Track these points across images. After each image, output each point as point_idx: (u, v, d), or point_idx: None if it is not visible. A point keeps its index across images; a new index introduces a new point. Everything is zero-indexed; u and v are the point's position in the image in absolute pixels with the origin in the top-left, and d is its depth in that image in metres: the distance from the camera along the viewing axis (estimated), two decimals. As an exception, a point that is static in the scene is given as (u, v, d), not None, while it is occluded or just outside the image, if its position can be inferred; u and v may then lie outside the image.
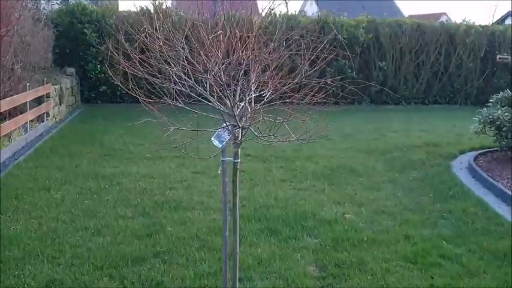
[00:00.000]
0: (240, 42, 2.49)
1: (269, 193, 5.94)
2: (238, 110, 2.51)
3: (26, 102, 8.87)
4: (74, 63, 13.42)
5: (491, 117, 7.31)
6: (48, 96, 10.54)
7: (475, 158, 7.59)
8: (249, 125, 2.54)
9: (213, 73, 2.45)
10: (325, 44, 2.88)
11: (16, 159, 7.42)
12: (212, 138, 2.60)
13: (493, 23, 17.59)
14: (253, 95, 2.57)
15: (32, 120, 9.50)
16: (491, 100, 7.95)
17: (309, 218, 5.12)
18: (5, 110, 7.98)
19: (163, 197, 5.67)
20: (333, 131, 9.41)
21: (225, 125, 2.53)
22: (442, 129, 10.75)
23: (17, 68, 8.48)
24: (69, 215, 5.06)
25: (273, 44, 2.75)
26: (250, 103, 2.56)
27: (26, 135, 8.70)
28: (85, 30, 13.30)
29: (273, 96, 2.66)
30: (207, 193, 5.84)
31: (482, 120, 7.41)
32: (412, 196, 6.06)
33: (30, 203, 5.36)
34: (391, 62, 15.45)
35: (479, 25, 16.34)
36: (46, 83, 10.24)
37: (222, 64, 2.48)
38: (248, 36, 2.62)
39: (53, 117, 10.84)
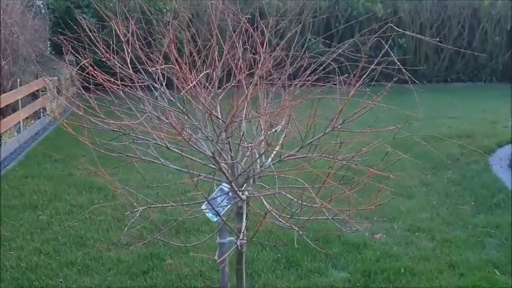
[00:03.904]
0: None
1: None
2: (239, 168, 1.74)
3: (18, 100, 8.16)
4: (73, 51, 12.64)
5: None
6: (44, 89, 9.82)
7: (517, 153, 6.72)
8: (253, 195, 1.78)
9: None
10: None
11: (5, 166, 6.75)
12: (203, 206, 1.86)
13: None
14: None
15: (27, 118, 8.82)
16: None
17: (333, 242, 4.37)
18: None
19: (163, 215, 4.95)
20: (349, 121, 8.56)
21: (223, 188, 1.78)
22: (472, 115, 9.75)
23: (4, 63, 7.73)
24: (55, 243, 4.38)
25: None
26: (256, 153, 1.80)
27: (19, 136, 8.00)
28: (83, 15, 12.48)
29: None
30: (214, 208, 5.10)
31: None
32: (450, 205, 5.27)
33: (11, 228, 4.68)
34: (411, 38, 14.42)
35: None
36: (41, 76, 9.51)
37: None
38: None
39: (51, 112, 10.13)
